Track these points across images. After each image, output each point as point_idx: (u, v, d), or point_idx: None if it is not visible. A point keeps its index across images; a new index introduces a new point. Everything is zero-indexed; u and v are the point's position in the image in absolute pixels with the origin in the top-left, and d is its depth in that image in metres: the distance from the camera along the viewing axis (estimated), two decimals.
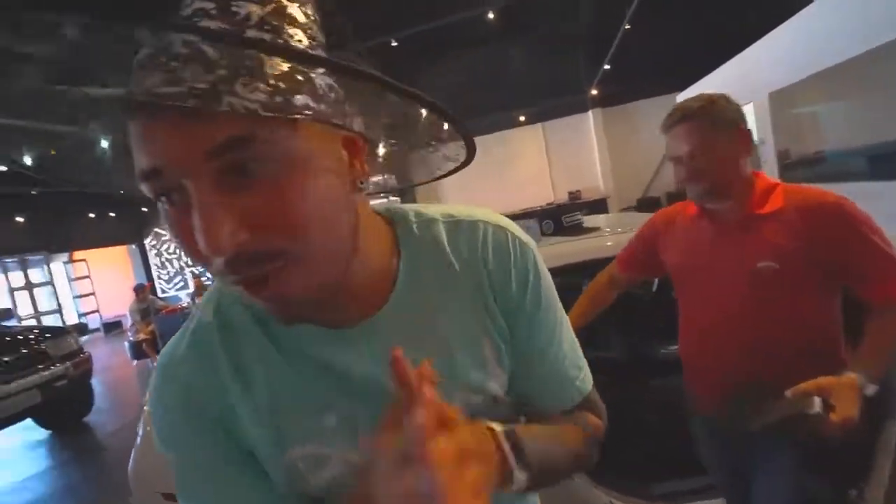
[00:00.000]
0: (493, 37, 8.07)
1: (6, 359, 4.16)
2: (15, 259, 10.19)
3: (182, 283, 11.82)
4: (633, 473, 1.52)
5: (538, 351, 0.52)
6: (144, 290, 7.22)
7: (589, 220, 2.09)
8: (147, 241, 12.60)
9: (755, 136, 5.46)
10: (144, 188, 0.34)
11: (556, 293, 0.54)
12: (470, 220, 0.51)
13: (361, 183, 0.40)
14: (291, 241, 0.34)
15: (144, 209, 11.94)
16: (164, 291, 12.41)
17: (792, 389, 0.80)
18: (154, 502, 1.59)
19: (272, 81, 0.31)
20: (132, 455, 1.66)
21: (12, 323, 5.60)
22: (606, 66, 7.88)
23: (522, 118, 9.96)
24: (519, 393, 0.53)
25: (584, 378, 0.56)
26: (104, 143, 0.38)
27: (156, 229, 12.43)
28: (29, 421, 4.61)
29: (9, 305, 5.84)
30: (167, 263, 12.53)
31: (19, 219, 10.06)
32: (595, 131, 9.73)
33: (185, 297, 9.25)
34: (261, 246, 0.34)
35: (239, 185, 0.33)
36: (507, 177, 9.88)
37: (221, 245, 0.32)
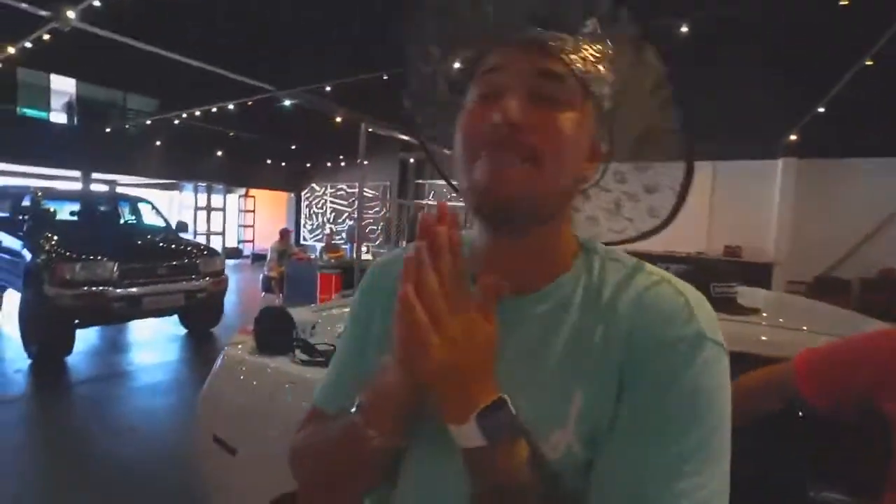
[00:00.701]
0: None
1: (174, 263, 5.01)
2: (204, 185, 12.42)
3: (320, 236, 13.18)
4: None
5: (645, 451, 0.40)
6: (287, 235, 8.15)
7: (745, 295, 1.61)
8: (304, 193, 14.30)
9: None
10: (477, 84, 0.48)
11: (725, 409, 0.41)
12: (651, 275, 0.48)
13: (585, 177, 0.50)
14: (543, 148, 0.44)
15: (308, 164, 13.60)
16: (304, 239, 14.00)
17: None
18: (206, 439, 1.67)
19: (602, 69, 0.47)
20: (207, 381, 1.76)
21: (187, 236, 6.74)
22: (820, 110, 6.46)
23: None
24: (594, 480, 0.42)
25: None
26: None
27: (313, 184, 14.04)
28: (175, 318, 5.55)
29: (187, 221, 7.00)
30: (314, 216, 14.07)
31: (218, 153, 12.22)
32: (781, 183, 8.12)
33: (318, 248, 10.25)
34: (526, 135, 0.44)
35: (539, 102, 0.45)
36: None
37: (509, 114, 0.43)
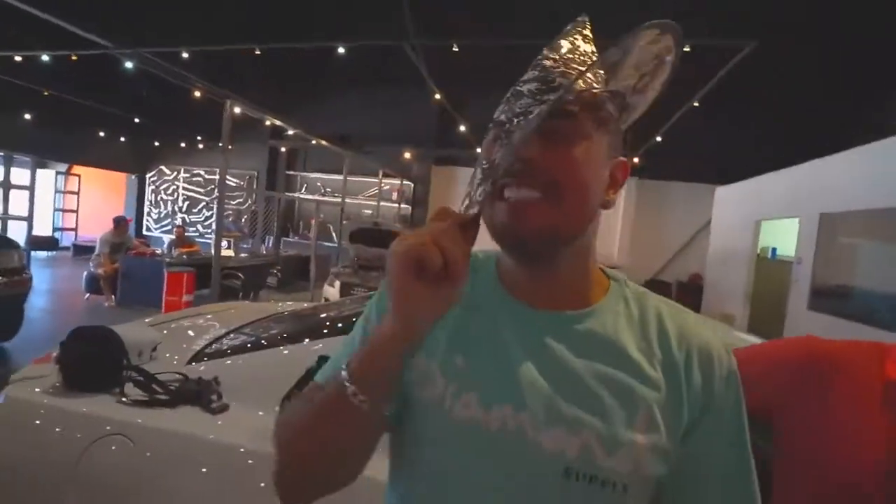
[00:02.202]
0: None
1: None
2: (0, 154, 9.70)
3: (169, 227, 11.38)
4: None
5: (707, 474, 0.48)
6: (124, 224, 6.76)
7: None
8: (149, 176, 12.20)
9: (794, 252, 5.36)
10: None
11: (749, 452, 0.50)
12: (681, 309, 0.54)
13: (610, 202, 0.52)
14: (562, 181, 0.47)
15: (157, 143, 11.62)
16: (148, 230, 11.98)
17: None
18: None
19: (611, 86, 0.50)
20: None
21: None
22: (658, 139, 7.63)
23: None
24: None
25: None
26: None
27: (162, 166, 12.06)
28: None
29: None
30: (162, 203, 12.12)
31: (26, 115, 9.67)
32: (625, 199, 9.45)
33: (166, 241, 8.77)
34: (542, 170, 0.47)
35: (553, 138, 0.47)
36: None
37: (525, 152, 0.46)
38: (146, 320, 1.94)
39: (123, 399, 1.21)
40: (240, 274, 6.60)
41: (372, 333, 0.45)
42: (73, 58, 6.47)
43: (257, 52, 5.70)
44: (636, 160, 8.53)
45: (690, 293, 8.22)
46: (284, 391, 1.18)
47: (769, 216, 6.15)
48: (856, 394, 0.65)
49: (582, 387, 0.46)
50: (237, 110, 4.49)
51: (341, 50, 5.79)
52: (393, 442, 0.53)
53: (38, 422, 1.20)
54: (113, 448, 1.11)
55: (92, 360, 1.25)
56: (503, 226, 0.48)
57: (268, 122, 6.45)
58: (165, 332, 1.74)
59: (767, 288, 6.14)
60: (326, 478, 0.49)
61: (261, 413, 1.18)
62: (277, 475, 0.48)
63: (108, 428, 1.14)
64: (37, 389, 1.23)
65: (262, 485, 1.05)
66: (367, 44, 5.76)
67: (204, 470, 1.12)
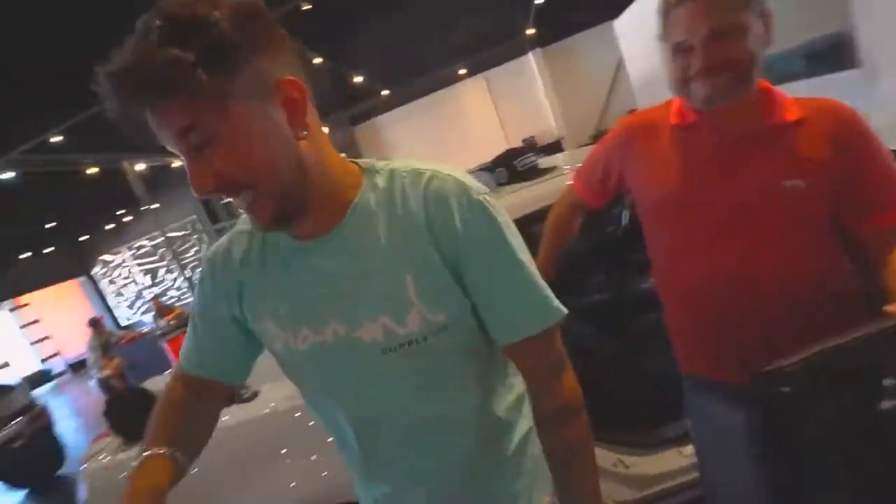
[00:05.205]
0: None
1: None
2: None
3: (145, 307, 11.19)
4: (638, 422, 1.39)
5: (494, 288, 0.59)
6: (99, 323, 6.70)
7: (545, 162, 1.89)
8: (95, 271, 11.79)
9: None
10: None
11: (514, 234, 0.59)
12: (419, 171, 0.59)
13: (303, 132, 0.52)
14: (245, 184, 0.51)
15: (83, 238, 11.12)
16: (128, 319, 11.78)
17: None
18: None
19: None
20: None
21: None
22: (538, 1, 7.50)
23: (463, 71, 9.54)
24: (483, 320, 0.62)
25: (546, 312, 0.61)
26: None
27: (101, 257, 11.63)
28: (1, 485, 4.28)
29: None
30: (123, 290, 11.82)
31: None
32: (539, 72, 9.43)
33: (149, 321, 8.71)
34: (228, 186, 0.50)
35: (200, 151, 0.49)
36: (458, 134, 9.56)
37: (199, 188, 0.50)
38: (163, 374, 2.11)
39: None
40: None
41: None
42: None
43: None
44: (530, 32, 8.44)
45: None
46: None
47: None
48: (656, 140, 0.87)
49: (354, 293, 0.58)
50: (139, 167, 4.35)
51: None
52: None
53: (120, 479, 1.39)
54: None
55: (137, 413, 1.43)
56: (255, 224, 0.55)
57: (175, 164, 6.22)
58: None
59: None
60: None
61: (289, 392, 1.36)
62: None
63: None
64: (106, 458, 1.42)
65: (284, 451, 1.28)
66: None
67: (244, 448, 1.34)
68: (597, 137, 8.90)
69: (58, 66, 4.43)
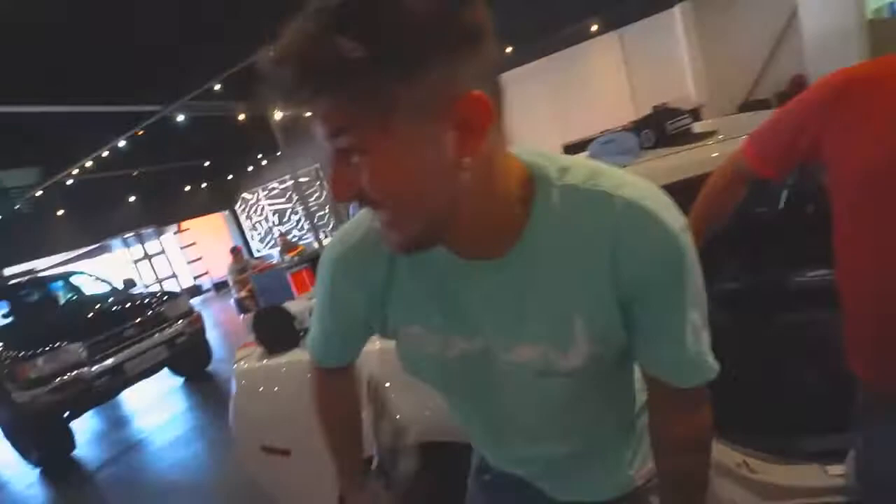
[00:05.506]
0: None
1: (138, 320, 4.74)
2: (132, 234, 11.52)
3: (272, 242, 12.69)
4: (773, 428, 1.25)
5: (659, 336, 0.55)
6: (238, 252, 7.80)
7: (700, 127, 1.68)
8: (237, 207, 13.57)
9: None
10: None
11: (698, 276, 0.53)
12: (608, 195, 0.49)
13: (467, 159, 0.43)
14: (384, 205, 0.46)
15: (230, 177, 12.80)
16: (258, 251, 13.47)
17: None
18: (254, 453, 1.65)
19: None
20: (230, 407, 1.72)
21: (137, 290, 6.34)
22: None
23: (594, 27, 8.77)
24: (640, 361, 0.60)
25: (699, 372, 0.56)
26: None
27: (243, 194, 13.31)
28: (166, 371, 5.33)
29: (132, 276, 6.57)
30: (257, 225, 13.47)
31: (131, 198, 11.26)
32: (684, 30, 8.30)
33: (276, 254, 9.90)
34: (368, 201, 0.46)
35: (347, 158, 0.44)
36: (582, 98, 8.92)
37: (337, 196, 0.46)
38: (298, 297, 2.39)
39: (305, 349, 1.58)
40: None
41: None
42: (140, 133, 7.31)
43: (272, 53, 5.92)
44: None
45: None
46: None
47: None
48: (881, 98, 0.70)
49: (516, 320, 0.55)
50: (279, 115, 4.81)
51: None
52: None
53: (263, 383, 1.63)
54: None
55: (277, 330, 1.65)
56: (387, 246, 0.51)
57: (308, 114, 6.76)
58: (314, 303, 2.14)
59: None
60: None
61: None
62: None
63: (304, 370, 1.51)
64: (251, 362, 1.67)
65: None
66: None
67: None
68: (745, 107, 7.78)
69: (221, 27, 5.02)
